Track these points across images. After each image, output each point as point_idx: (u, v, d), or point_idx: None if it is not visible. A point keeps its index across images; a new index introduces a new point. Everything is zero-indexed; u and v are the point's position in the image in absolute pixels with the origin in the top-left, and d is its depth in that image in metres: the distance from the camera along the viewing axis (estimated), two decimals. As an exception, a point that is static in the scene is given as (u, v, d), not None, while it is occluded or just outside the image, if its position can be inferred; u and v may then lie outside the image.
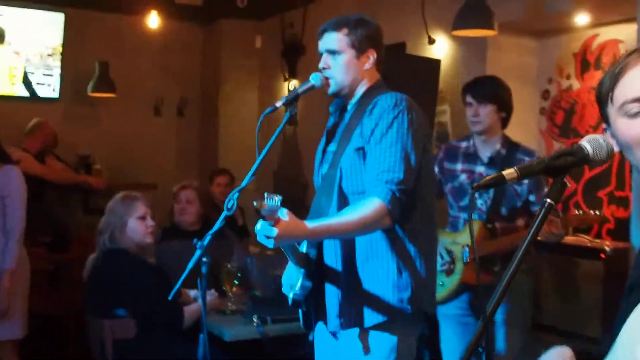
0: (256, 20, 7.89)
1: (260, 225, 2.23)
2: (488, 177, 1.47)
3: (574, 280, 4.41)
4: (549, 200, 1.44)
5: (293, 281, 2.59)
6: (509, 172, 1.44)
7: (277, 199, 2.18)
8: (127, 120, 7.93)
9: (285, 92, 7.47)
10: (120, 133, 7.87)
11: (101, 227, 3.77)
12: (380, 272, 2.47)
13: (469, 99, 3.61)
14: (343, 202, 2.51)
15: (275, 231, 2.19)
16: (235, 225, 5.53)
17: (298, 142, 7.38)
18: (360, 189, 2.47)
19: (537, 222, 1.43)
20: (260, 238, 2.26)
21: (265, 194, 2.18)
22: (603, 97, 1.44)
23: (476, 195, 3.55)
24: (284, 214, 2.22)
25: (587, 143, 1.46)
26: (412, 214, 2.48)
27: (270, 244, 2.22)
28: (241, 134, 7.85)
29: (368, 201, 2.36)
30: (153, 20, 7.12)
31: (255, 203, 2.17)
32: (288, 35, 7.44)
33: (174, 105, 8.31)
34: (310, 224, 2.28)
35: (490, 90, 3.60)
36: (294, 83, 7.37)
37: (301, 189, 7.18)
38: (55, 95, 7.36)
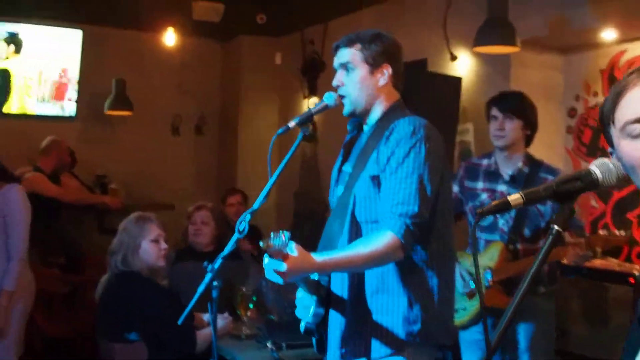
0: (276, 36, 8.00)
1: (267, 260, 2.25)
2: (493, 204, 1.47)
3: (602, 306, 4.39)
4: (556, 227, 1.45)
5: (306, 308, 2.61)
6: (514, 198, 1.45)
7: (285, 236, 2.20)
8: (144, 139, 8.06)
9: (305, 109, 7.51)
10: (137, 152, 8.00)
11: (113, 248, 3.81)
12: (390, 305, 2.47)
13: (494, 112, 3.63)
14: (355, 230, 2.51)
15: (284, 266, 2.21)
16: (254, 245, 5.58)
17: (318, 161, 7.44)
18: (374, 217, 2.47)
19: (544, 249, 1.44)
20: (268, 274, 2.27)
21: (272, 233, 2.20)
22: (605, 118, 1.44)
23: (497, 215, 3.56)
24: (293, 249, 2.24)
25: (595, 167, 1.46)
26: (427, 244, 2.48)
27: (279, 280, 2.25)
28: (261, 154, 7.92)
29: (381, 234, 2.36)
30: (170, 38, 7.24)
31: (261, 243, 2.19)
32: (308, 52, 7.53)
33: (192, 123, 8.44)
34: (319, 258, 2.30)
35: (517, 105, 3.62)
36: (314, 100, 7.44)
37: (322, 208, 7.21)
38: (72, 113, 7.51)
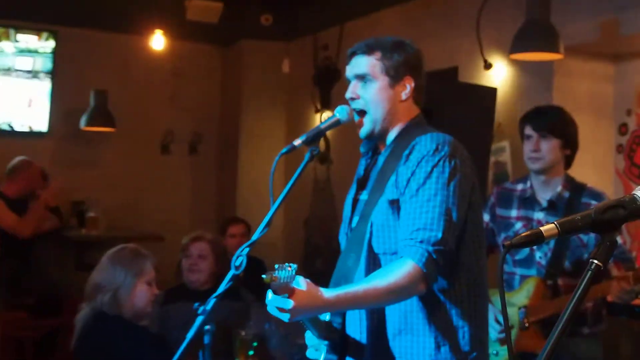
0: (284, 41, 8.12)
1: (271, 296, 2.27)
2: (523, 235, 1.52)
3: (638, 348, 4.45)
4: (595, 261, 1.48)
5: (317, 352, 2.68)
6: (548, 228, 1.49)
7: (292, 268, 2.21)
8: (129, 159, 8.17)
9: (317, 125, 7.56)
10: (121, 175, 8.10)
11: (101, 282, 3.70)
12: (415, 347, 2.51)
13: (528, 130, 3.69)
14: (373, 263, 2.55)
15: (290, 303, 2.23)
16: (255, 282, 5.64)
17: (332, 185, 7.53)
18: (394, 248, 2.51)
19: (582, 286, 1.47)
20: (272, 310, 2.30)
21: (276, 265, 2.22)
22: None
23: (535, 247, 3.63)
24: (300, 283, 2.26)
25: None
26: (454, 277, 2.52)
27: (285, 317, 2.27)
28: (265, 177, 7.95)
29: (400, 264, 2.39)
30: (159, 41, 7.33)
31: (264, 276, 2.20)
32: (321, 59, 7.64)
33: (186, 141, 8.55)
34: (331, 294, 2.31)
35: (555, 122, 3.68)
36: (327, 115, 7.52)
37: (336, 239, 7.30)
38: (44, 129, 7.61)
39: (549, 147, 3.64)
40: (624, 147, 5.51)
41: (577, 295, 1.48)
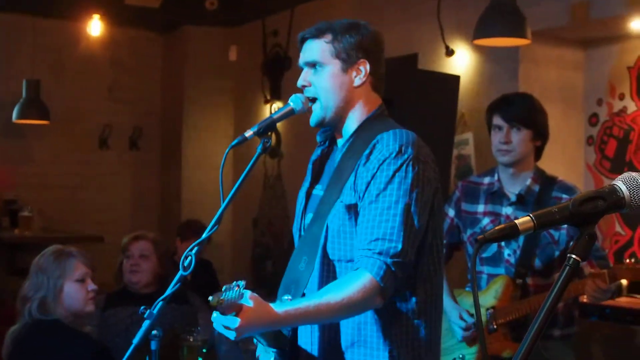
0: (230, 26, 8.07)
1: (215, 315, 2.26)
2: (496, 228, 1.50)
3: (629, 353, 4.48)
4: (573, 256, 1.48)
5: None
6: (523, 222, 1.49)
7: (240, 286, 2.21)
8: (64, 154, 8.07)
9: (266, 116, 7.54)
10: (56, 171, 8.00)
11: (26, 293, 3.74)
12: None
13: (497, 120, 3.65)
14: (327, 270, 2.53)
15: (237, 321, 2.22)
16: (203, 285, 5.60)
17: (283, 181, 7.50)
18: (349, 255, 2.48)
19: (559, 283, 1.47)
20: (218, 328, 2.29)
21: (224, 287, 2.20)
22: None
23: (502, 242, 3.63)
24: (248, 299, 2.25)
25: (621, 183, 1.50)
26: (412, 288, 2.51)
27: (231, 335, 2.26)
28: (211, 173, 7.96)
29: (355, 276, 2.37)
30: (96, 27, 7.23)
31: (211, 299, 2.17)
32: (270, 46, 7.61)
33: (126, 136, 8.47)
34: (280, 309, 2.30)
35: (526, 111, 3.65)
36: (277, 106, 7.51)
37: (288, 240, 7.26)
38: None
39: (520, 139, 3.62)
40: (594, 139, 5.56)
41: (554, 293, 1.47)
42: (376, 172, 2.44)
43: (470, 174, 5.41)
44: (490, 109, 3.74)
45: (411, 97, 4.86)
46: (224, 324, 2.24)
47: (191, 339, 4.01)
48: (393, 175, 2.43)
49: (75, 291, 3.71)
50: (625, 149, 5.36)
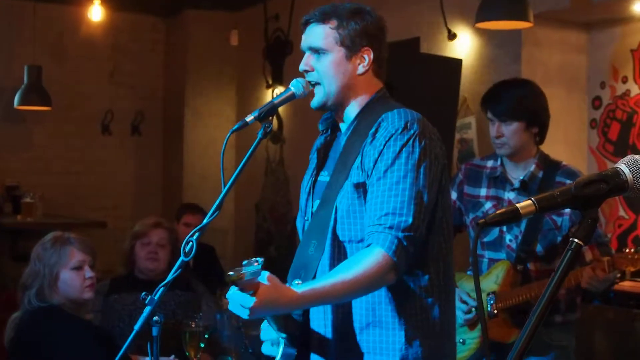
0: (231, 10, 8.03)
1: (232, 292, 2.24)
2: (498, 212, 1.50)
3: (633, 337, 4.48)
4: (576, 240, 1.48)
5: (274, 345, 2.64)
6: (524, 205, 1.48)
7: (258, 263, 2.20)
8: (66, 140, 8.07)
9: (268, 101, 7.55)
10: (58, 157, 8.00)
11: (25, 281, 3.77)
12: (385, 342, 2.49)
13: (489, 114, 3.66)
14: (337, 252, 2.52)
15: (252, 300, 2.20)
16: (205, 271, 5.61)
17: (285, 166, 7.50)
18: (360, 235, 2.48)
19: (561, 268, 1.46)
20: (233, 307, 2.28)
21: (244, 262, 2.20)
22: None
23: (504, 227, 3.62)
24: (265, 278, 2.23)
25: (625, 166, 1.50)
26: (424, 265, 2.50)
27: (244, 314, 2.25)
28: (213, 158, 7.97)
29: (367, 253, 2.36)
30: (96, 12, 7.21)
31: (231, 273, 2.17)
32: (272, 30, 7.59)
33: (128, 121, 8.45)
34: (296, 290, 2.29)
35: (513, 104, 3.60)
36: (279, 90, 7.47)
37: (291, 225, 7.26)
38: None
39: (512, 132, 3.60)
40: (597, 122, 5.55)
41: (555, 278, 1.46)
42: (383, 148, 2.45)
43: (473, 158, 5.40)
44: (482, 102, 3.74)
45: (413, 81, 4.85)
46: (241, 303, 2.23)
47: (193, 325, 4.01)
48: (400, 151, 2.43)
49: (71, 279, 3.74)
50: (628, 132, 5.35)
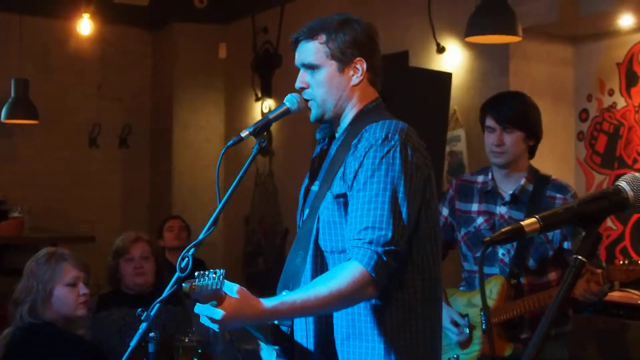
0: (219, 23, 8.06)
1: (198, 306, 2.26)
2: (502, 230, 1.53)
3: (623, 347, 4.51)
4: (579, 257, 1.52)
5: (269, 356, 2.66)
6: (529, 223, 1.52)
7: (217, 274, 2.20)
8: (53, 153, 8.04)
9: (257, 115, 7.61)
10: (45, 170, 7.97)
11: (18, 297, 3.74)
12: (364, 354, 2.50)
13: (490, 122, 3.66)
14: (319, 262, 2.53)
15: (219, 313, 2.22)
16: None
17: (275, 178, 7.51)
18: (341, 247, 2.48)
19: (566, 283, 1.51)
20: (204, 320, 2.29)
21: (196, 273, 2.20)
22: None
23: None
24: (234, 291, 2.25)
25: (625, 184, 1.54)
26: (406, 278, 2.50)
27: (214, 327, 2.26)
28: (202, 171, 7.98)
29: (345, 268, 2.35)
30: (85, 26, 7.22)
31: (184, 285, 2.19)
32: (260, 43, 7.61)
33: (115, 134, 8.45)
34: (268, 303, 2.28)
35: (519, 113, 3.64)
36: (268, 103, 7.53)
37: (280, 237, 7.29)
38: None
39: (513, 141, 3.62)
40: (584, 135, 5.60)
41: (560, 294, 1.51)
42: (363, 159, 2.44)
43: (463, 170, 5.44)
44: (484, 109, 3.74)
45: (402, 94, 4.87)
46: (206, 314, 2.24)
47: (186, 340, 4.02)
48: (380, 162, 2.42)
49: (65, 295, 3.71)
50: (615, 144, 5.40)
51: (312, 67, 2.59)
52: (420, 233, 2.50)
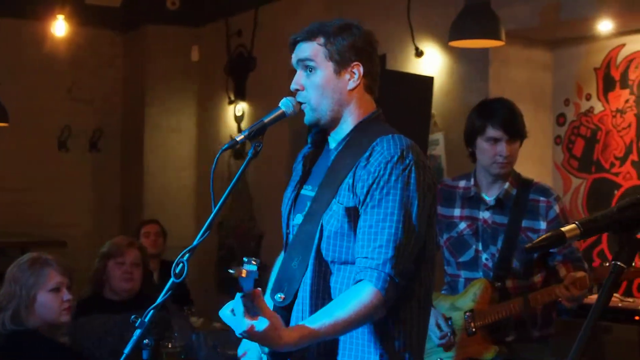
0: (192, 26, 8.03)
1: (231, 309, 2.24)
2: (542, 237, 1.55)
3: (604, 349, 4.55)
4: (619, 263, 1.54)
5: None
6: (569, 229, 1.54)
7: (256, 262, 2.17)
8: (23, 156, 7.97)
9: (231, 118, 7.60)
10: (14, 174, 7.91)
11: (1, 302, 3.72)
12: (360, 357, 2.51)
13: (495, 133, 3.60)
14: (322, 270, 2.53)
15: (264, 323, 2.21)
16: (177, 291, 5.58)
17: (249, 183, 7.48)
18: (344, 258, 2.49)
19: (606, 289, 1.53)
20: (223, 316, 2.29)
21: (245, 258, 2.17)
22: None
23: (480, 247, 3.68)
24: (264, 319, 2.22)
25: None
26: (410, 294, 2.52)
27: (238, 329, 2.25)
28: (174, 173, 7.93)
29: (360, 291, 2.38)
30: (60, 27, 7.15)
31: (232, 270, 2.16)
32: (234, 46, 7.58)
33: (85, 137, 8.39)
34: (295, 334, 2.30)
35: (520, 123, 3.67)
36: (242, 106, 7.49)
37: (255, 242, 7.26)
38: None
39: (515, 150, 3.64)
40: (562, 139, 5.65)
41: (601, 300, 1.54)
42: (377, 175, 2.44)
43: (441, 175, 5.46)
44: (484, 118, 3.67)
45: (381, 98, 4.87)
46: (249, 314, 2.21)
47: (170, 345, 4.01)
48: (396, 180, 2.43)
49: (49, 301, 3.66)
50: (592, 148, 5.46)
51: (309, 67, 2.59)
52: (427, 251, 2.52)
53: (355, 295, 2.38)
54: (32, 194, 7.97)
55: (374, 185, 2.45)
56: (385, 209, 2.42)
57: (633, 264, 3.70)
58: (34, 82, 7.94)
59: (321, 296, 2.49)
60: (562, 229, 1.54)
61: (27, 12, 7.41)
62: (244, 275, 2.13)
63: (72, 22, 7.24)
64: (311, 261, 2.52)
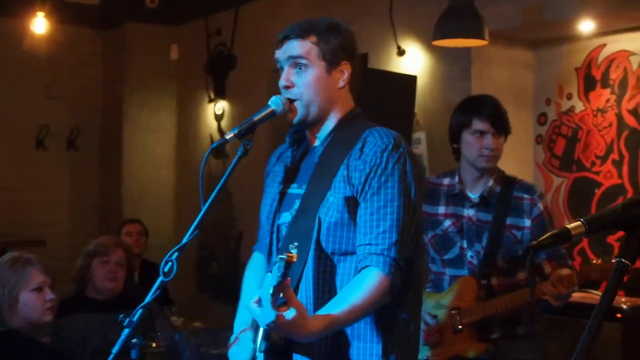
0: (172, 24, 8.00)
1: (263, 299, 2.23)
2: (549, 235, 1.55)
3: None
4: (623, 260, 1.54)
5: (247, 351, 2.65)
6: (575, 226, 1.55)
7: (296, 247, 2.17)
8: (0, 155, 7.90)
9: (211, 116, 7.58)
10: (-8, 173, 7.81)
11: None
12: (362, 354, 2.52)
13: (481, 125, 3.64)
14: (321, 263, 2.53)
15: (273, 315, 2.20)
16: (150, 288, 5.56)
17: (228, 183, 7.45)
18: (344, 248, 2.51)
19: (611, 285, 1.54)
20: (250, 306, 2.30)
21: (290, 245, 2.17)
22: None
23: (464, 244, 3.70)
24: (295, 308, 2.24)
25: None
26: (408, 283, 2.53)
27: (264, 320, 2.25)
28: (154, 172, 7.89)
29: (368, 276, 2.40)
30: (40, 25, 7.10)
31: (284, 256, 2.15)
32: (214, 45, 7.56)
33: (64, 136, 8.33)
34: (317, 322, 2.31)
35: (506, 117, 3.71)
36: (222, 105, 7.47)
37: (234, 241, 7.24)
38: None
39: (501, 144, 3.70)
40: (543, 138, 5.68)
41: (606, 296, 1.54)
42: (374, 163, 2.48)
43: (423, 173, 5.46)
44: (469, 111, 3.72)
45: (363, 96, 4.86)
46: (277, 303, 2.21)
47: (154, 345, 3.99)
48: (393, 167, 2.47)
49: (31, 301, 3.65)
50: (573, 148, 5.49)
51: (301, 65, 2.60)
52: (420, 240, 2.58)
53: (365, 281, 2.40)
54: (9, 193, 7.90)
55: (372, 174, 2.48)
56: (385, 195, 2.46)
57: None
58: (11, 80, 7.88)
59: (326, 289, 2.50)
60: (568, 226, 1.55)
61: (5, 10, 7.35)
62: (295, 260, 2.14)
63: (51, 19, 7.20)
64: (311, 253, 2.52)
